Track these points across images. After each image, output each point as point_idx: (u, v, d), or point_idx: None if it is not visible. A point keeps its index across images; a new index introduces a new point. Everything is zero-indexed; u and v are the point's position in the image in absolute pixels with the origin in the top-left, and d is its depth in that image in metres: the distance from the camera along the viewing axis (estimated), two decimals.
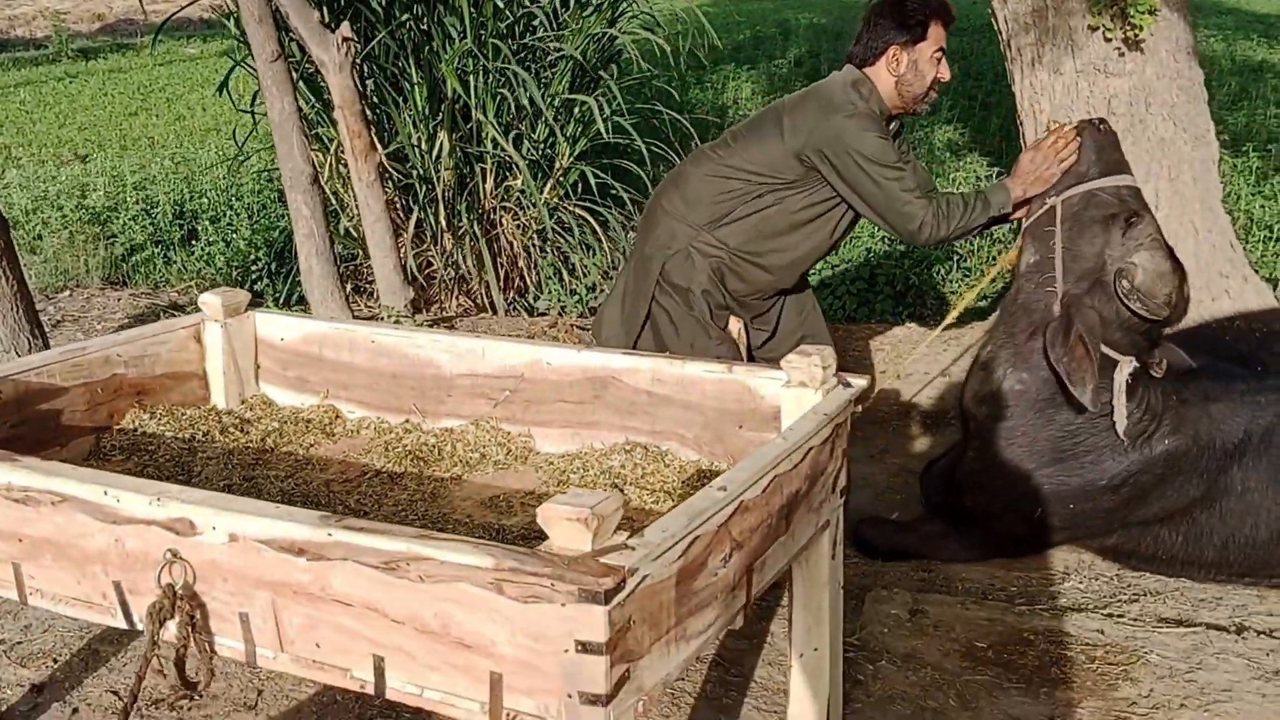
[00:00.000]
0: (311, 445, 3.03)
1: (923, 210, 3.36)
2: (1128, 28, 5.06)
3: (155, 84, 16.16)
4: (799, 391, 2.58)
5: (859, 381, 2.64)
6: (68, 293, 7.05)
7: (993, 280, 3.52)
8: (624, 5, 6.72)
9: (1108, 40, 5.15)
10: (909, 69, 3.40)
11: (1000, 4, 5.48)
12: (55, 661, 3.22)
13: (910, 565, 3.72)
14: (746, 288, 3.64)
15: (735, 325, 3.63)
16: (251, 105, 6.73)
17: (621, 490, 2.71)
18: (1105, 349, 3.24)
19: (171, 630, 2.06)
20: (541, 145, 6.61)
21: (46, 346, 4.92)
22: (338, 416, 3.20)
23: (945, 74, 3.44)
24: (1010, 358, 3.46)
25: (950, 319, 3.64)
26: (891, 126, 3.59)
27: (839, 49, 15.14)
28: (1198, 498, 3.37)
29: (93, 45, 21.48)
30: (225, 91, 6.82)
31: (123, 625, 2.20)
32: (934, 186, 3.48)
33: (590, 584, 1.73)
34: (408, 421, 3.13)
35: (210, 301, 3.19)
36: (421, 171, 6.48)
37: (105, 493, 2.10)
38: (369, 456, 2.94)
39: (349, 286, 6.67)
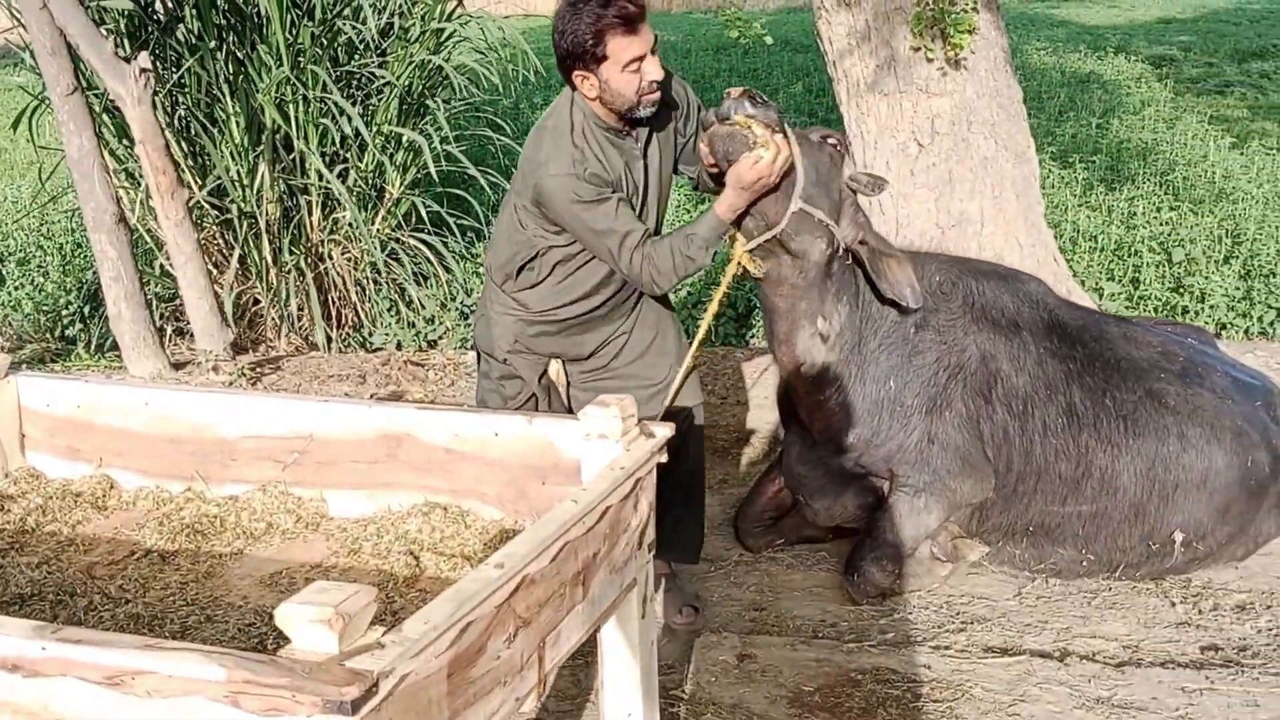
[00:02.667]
0: (79, 522, 2.77)
1: (638, 269, 3.11)
2: (948, 48, 5.09)
3: None
4: (600, 443, 2.44)
5: (663, 430, 2.51)
6: None
7: (725, 293, 3.38)
8: (450, 30, 6.52)
9: (930, 61, 5.17)
10: (603, 90, 3.07)
11: (825, 26, 5.47)
12: None
13: (742, 604, 3.62)
14: (556, 342, 3.45)
15: (554, 367, 3.47)
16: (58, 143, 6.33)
17: (417, 558, 2.53)
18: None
19: None
20: (370, 175, 6.37)
21: None
22: (112, 487, 2.93)
23: (654, 74, 3.06)
24: (810, 316, 3.49)
25: (697, 343, 3.42)
26: (639, 133, 3.25)
27: (688, 65, 15.20)
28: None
29: None
30: (26, 127, 6.40)
31: None
32: (645, 232, 3.16)
33: (333, 694, 1.54)
34: (189, 489, 2.88)
35: None
36: (243, 206, 6.17)
37: None
38: (142, 532, 2.69)
39: (170, 328, 6.33)
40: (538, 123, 3.33)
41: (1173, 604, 3.54)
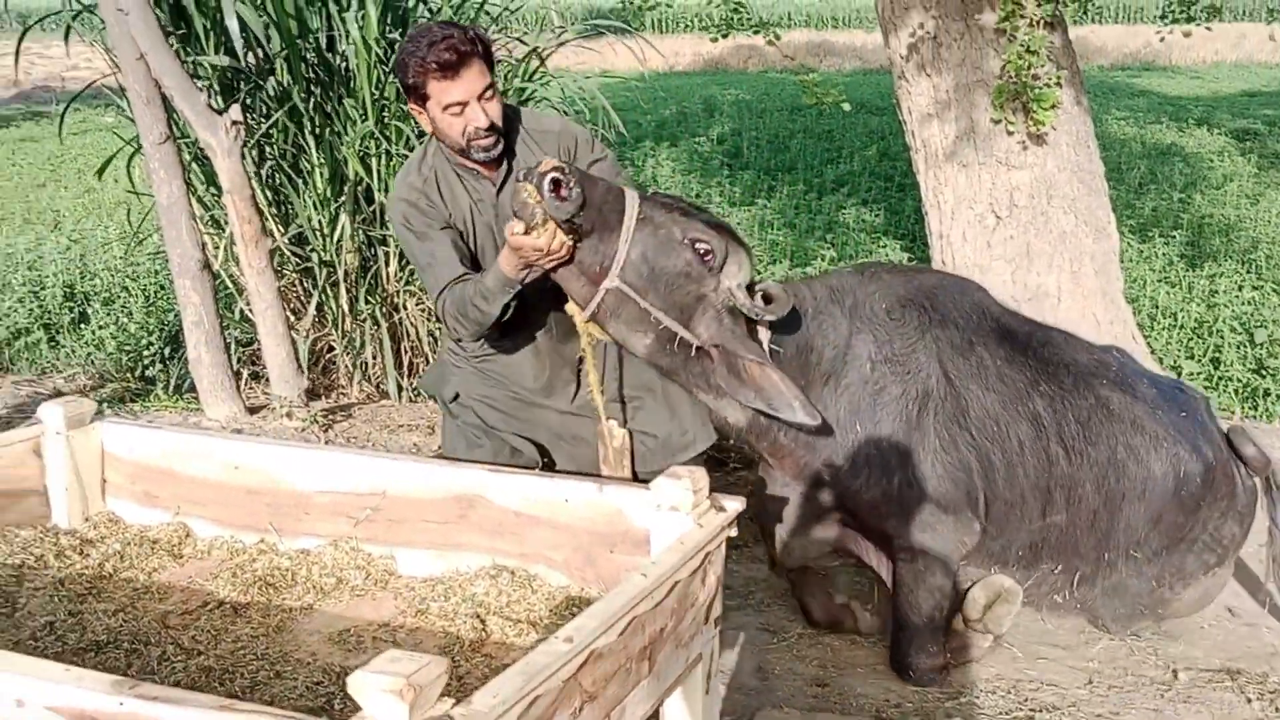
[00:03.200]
0: (154, 570, 2.81)
1: (441, 309, 3.16)
2: (1030, 122, 5.07)
3: (67, 154, 15.81)
4: (670, 515, 2.43)
5: (733, 504, 2.50)
6: None
7: (593, 359, 3.32)
8: (531, 89, 6.63)
9: (1010, 134, 5.16)
10: (433, 126, 3.15)
11: (905, 94, 5.49)
12: None
13: (805, 679, 3.57)
14: (506, 381, 3.44)
15: (620, 433, 3.47)
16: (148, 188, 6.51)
17: (484, 621, 2.53)
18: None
19: None
20: None
21: None
22: (188, 535, 2.98)
23: (478, 120, 3.09)
24: (703, 381, 3.29)
25: (603, 410, 3.38)
26: (506, 164, 3.28)
27: (762, 125, 15.29)
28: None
29: (6, 113, 21.06)
30: (124, 174, 6.59)
31: None
32: (461, 276, 3.16)
33: None
34: (262, 541, 2.92)
35: (50, 413, 2.97)
36: (323, 255, 6.29)
37: None
38: (215, 583, 2.73)
39: (246, 373, 6.44)
40: None
41: (1249, 700, 3.43)
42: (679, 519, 2.42)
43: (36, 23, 6.72)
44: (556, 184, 2.79)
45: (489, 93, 3.10)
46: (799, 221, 9.60)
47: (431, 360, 6.53)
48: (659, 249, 3.06)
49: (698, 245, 3.08)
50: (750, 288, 3.24)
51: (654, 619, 2.20)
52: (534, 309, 3.33)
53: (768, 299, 3.21)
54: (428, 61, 3.02)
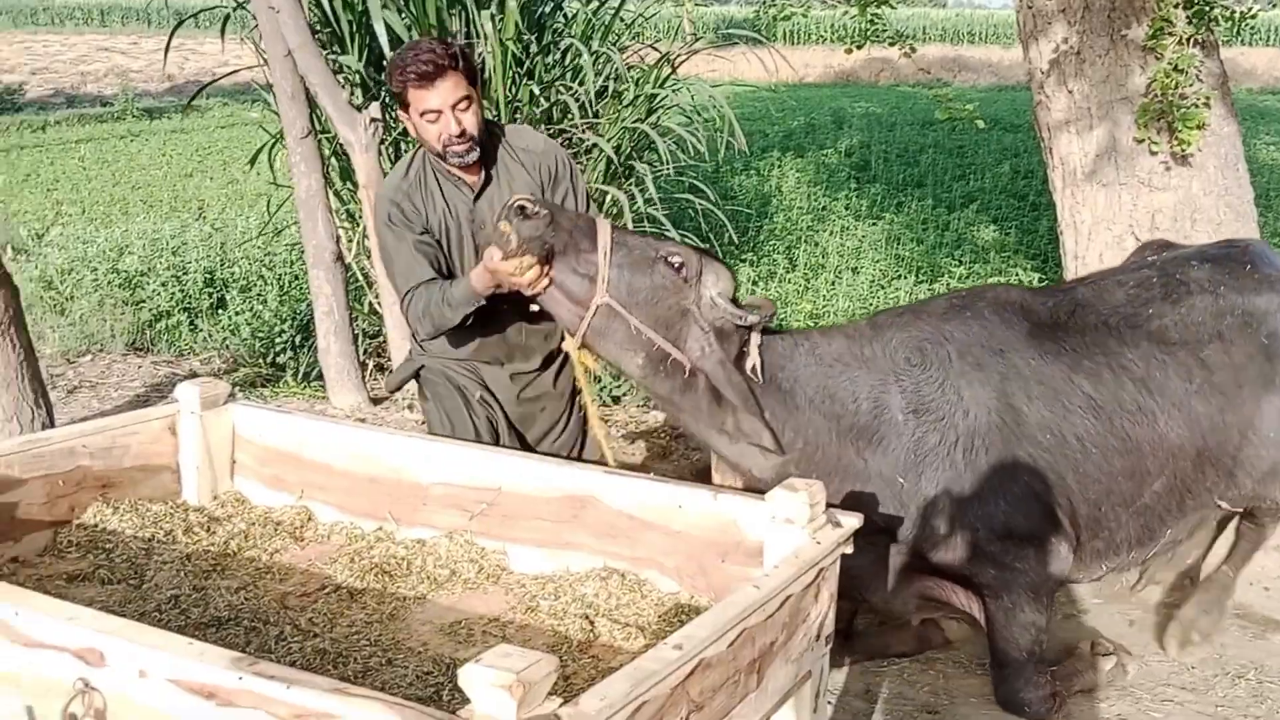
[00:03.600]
0: (276, 551, 2.89)
1: (406, 307, 3.31)
2: (1175, 142, 4.88)
3: (214, 146, 16.43)
4: (784, 528, 2.40)
5: (850, 520, 2.46)
6: (90, 358, 7.03)
7: (589, 385, 3.39)
8: (662, 95, 6.65)
9: (1154, 154, 4.97)
10: (414, 130, 3.37)
11: (1044, 110, 5.34)
12: None
13: (915, 705, 3.49)
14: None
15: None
16: (288, 180, 6.72)
17: (593, 623, 2.53)
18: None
19: None
20: None
21: (50, 417, 4.86)
22: (310, 519, 3.05)
23: (451, 128, 3.27)
24: (715, 426, 3.23)
25: (604, 437, 3.47)
26: (486, 173, 3.45)
27: (891, 139, 15.08)
28: None
29: (159, 105, 21.98)
30: (263, 165, 6.81)
31: None
32: (430, 278, 3.31)
33: None
34: (380, 529, 2.97)
35: (187, 392, 3.08)
36: None
37: (16, 614, 1.96)
38: (334, 567, 2.78)
39: (372, 364, 6.60)
40: None
41: None
42: (794, 532, 2.39)
43: (189, 17, 6.97)
44: (522, 209, 2.96)
45: (463, 104, 3.29)
46: (927, 237, 9.43)
47: None
48: (635, 266, 3.13)
49: (670, 259, 3.15)
50: (736, 302, 3.22)
51: (765, 632, 2.17)
52: (494, 326, 3.51)
53: (753, 307, 3.21)
54: (407, 71, 3.26)
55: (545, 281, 3.02)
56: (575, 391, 3.72)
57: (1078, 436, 3.32)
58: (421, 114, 3.28)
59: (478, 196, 3.44)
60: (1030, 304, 3.53)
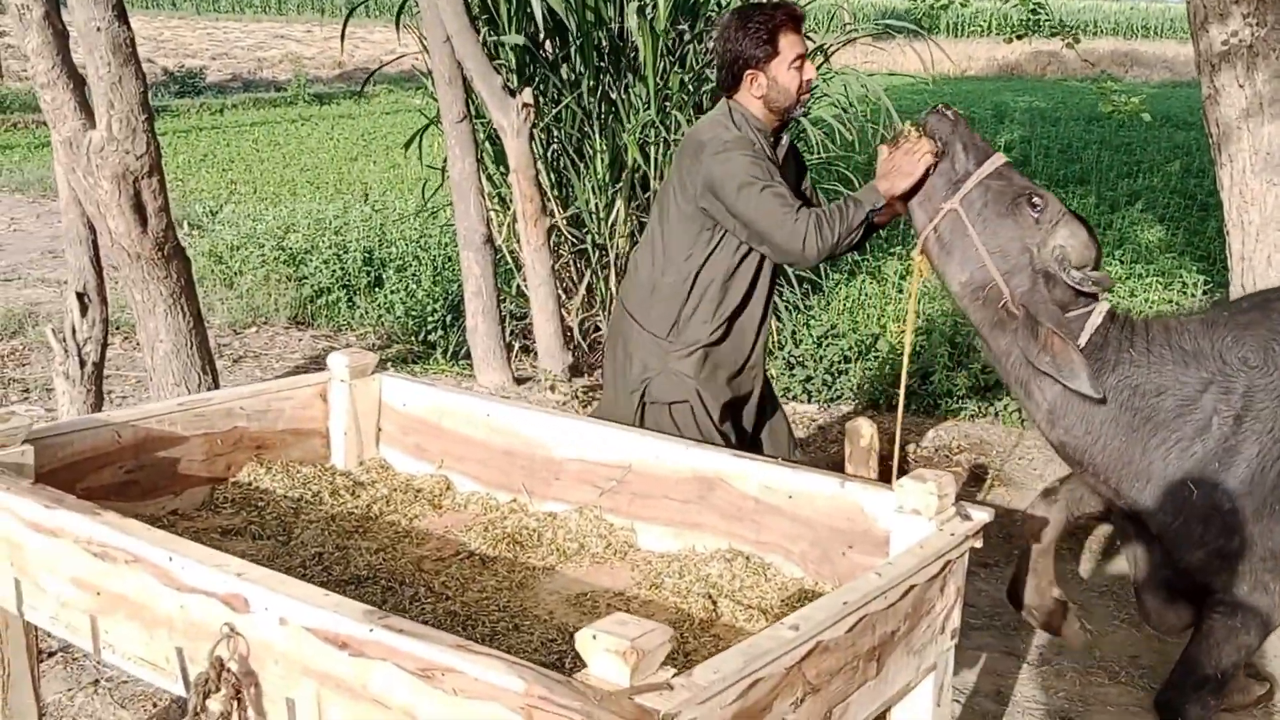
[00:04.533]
0: (415, 517, 3.00)
1: (803, 224, 3.21)
2: None
3: (379, 131, 16.98)
4: (912, 519, 2.38)
5: (980, 514, 2.42)
6: (255, 329, 7.37)
7: (917, 298, 3.21)
8: (815, 85, 6.59)
9: None
10: (770, 87, 3.31)
11: (1211, 105, 5.11)
12: (155, 705, 3.26)
13: (1047, 711, 3.41)
14: (725, 371, 3.48)
15: (868, 431, 3.44)
16: (443, 165, 6.92)
17: (715, 603, 2.56)
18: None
19: (215, 706, 2.02)
20: None
21: (216, 384, 5.11)
22: (448, 488, 3.16)
23: (810, 75, 3.38)
24: (1019, 376, 3.15)
25: (909, 349, 3.40)
26: (783, 140, 3.49)
27: (1054, 135, 14.62)
28: None
29: (329, 91, 22.82)
30: (416, 148, 7.02)
31: (183, 693, 2.18)
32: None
33: None
34: (514, 500, 3.06)
35: (337, 361, 3.21)
36: (597, 238, 6.51)
37: (170, 559, 2.09)
38: (468, 535, 2.88)
39: (518, 345, 6.75)
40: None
41: None
42: (921, 523, 2.36)
43: (357, 6, 7.22)
44: (937, 109, 3.20)
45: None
46: None
47: None
48: (1000, 193, 3.15)
49: (1033, 199, 3.15)
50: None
51: (885, 620, 2.15)
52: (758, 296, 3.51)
53: (1095, 280, 3.13)
54: (780, 15, 3.32)
55: (927, 162, 3.14)
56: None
57: None
58: (791, 61, 3.33)
59: (783, 160, 3.51)
60: None
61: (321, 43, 33.82)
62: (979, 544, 2.43)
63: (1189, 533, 3.13)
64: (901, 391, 3.33)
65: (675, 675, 1.70)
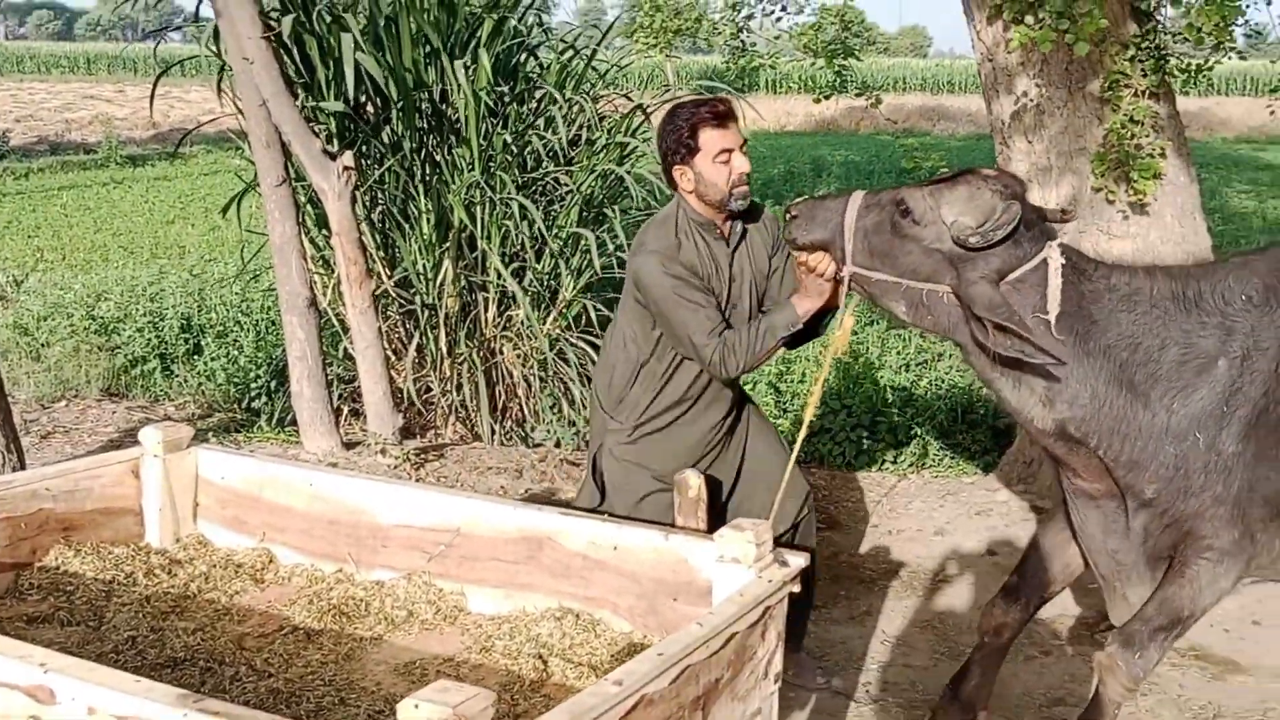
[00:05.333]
0: (236, 593, 2.92)
1: (711, 351, 3.33)
2: (1132, 192, 5.00)
3: (196, 193, 16.54)
4: (731, 568, 2.45)
5: (796, 560, 2.51)
6: (64, 403, 7.05)
7: (833, 363, 3.30)
8: (634, 145, 6.76)
9: (1111, 203, 5.09)
10: (698, 182, 3.43)
11: (1007, 161, 5.45)
12: None
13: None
14: (669, 460, 3.55)
15: (696, 483, 3.50)
16: (264, 227, 6.79)
17: (545, 662, 2.57)
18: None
19: None
20: (545, 277, 6.60)
21: (21, 462, 4.87)
22: (271, 561, 3.09)
23: (743, 166, 3.43)
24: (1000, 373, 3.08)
25: (809, 415, 3.36)
26: (737, 228, 3.57)
27: (869, 187, 15.25)
28: None
29: (143, 152, 22.10)
30: (232, 212, 6.88)
31: None
32: (724, 322, 3.42)
33: None
34: (341, 570, 3.01)
35: (149, 436, 3.12)
36: (425, 298, 6.48)
37: None
38: (292, 608, 2.82)
39: (346, 409, 6.63)
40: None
41: None
42: (741, 571, 2.43)
43: (171, 66, 7.06)
44: (788, 211, 3.24)
45: (745, 147, 3.47)
46: None
47: (526, 406, 6.65)
48: (876, 226, 3.11)
49: (903, 208, 3.07)
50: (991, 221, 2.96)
51: (709, 669, 2.21)
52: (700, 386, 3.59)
53: (1003, 222, 2.94)
54: (701, 112, 3.41)
55: (832, 270, 3.17)
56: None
57: None
58: (714, 156, 3.40)
59: (734, 251, 3.57)
60: None
61: (134, 103, 32.76)
62: (797, 588, 2.52)
63: (1190, 483, 3.06)
64: (794, 452, 3.35)
65: None
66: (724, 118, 3.42)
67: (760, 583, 2.38)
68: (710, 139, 3.39)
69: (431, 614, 2.81)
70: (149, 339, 7.53)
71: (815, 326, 3.49)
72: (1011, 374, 3.05)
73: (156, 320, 7.74)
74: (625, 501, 3.54)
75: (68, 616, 2.68)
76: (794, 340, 3.48)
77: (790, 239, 3.20)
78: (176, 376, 7.32)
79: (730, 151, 3.41)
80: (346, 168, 5.44)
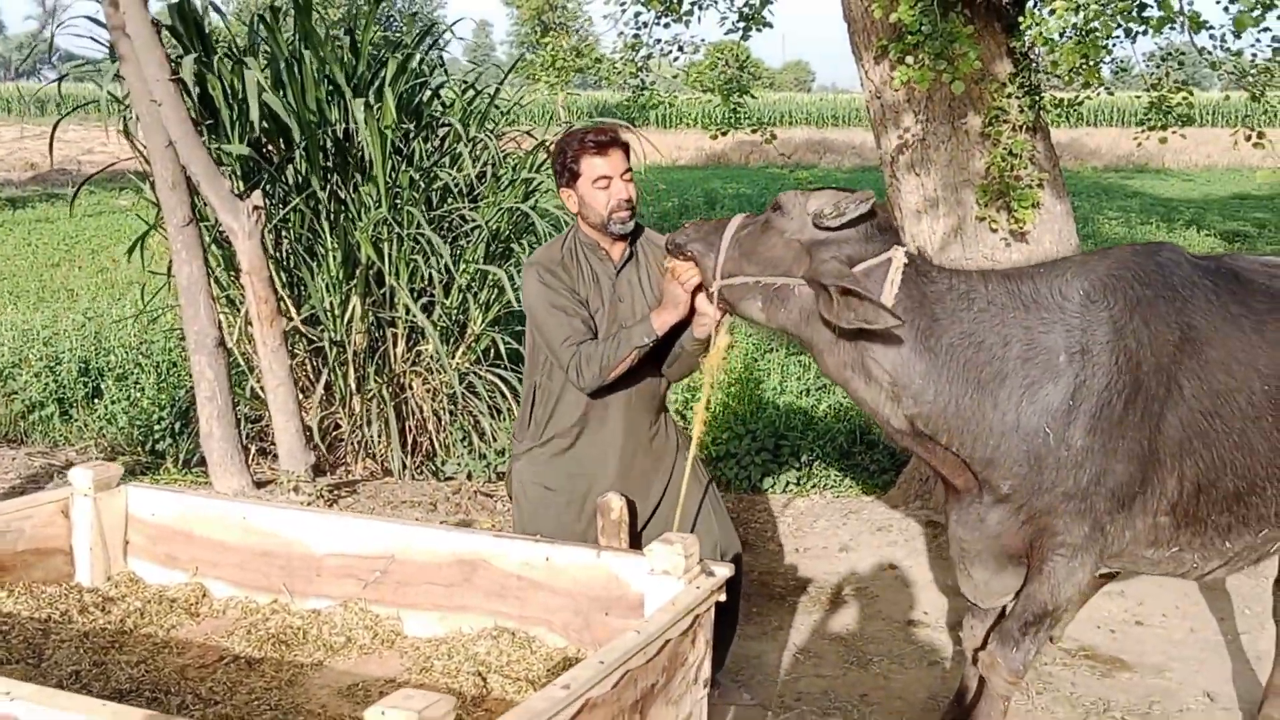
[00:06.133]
0: (173, 627, 2.96)
1: (568, 356, 3.53)
2: (1013, 221, 5.32)
3: (82, 235, 16.15)
4: (662, 580, 2.59)
5: (722, 570, 2.66)
6: None
7: (712, 379, 3.53)
8: (538, 181, 6.91)
9: (994, 231, 5.40)
10: (581, 204, 3.67)
11: (895, 193, 5.74)
12: None
13: None
14: (570, 466, 3.74)
15: (617, 505, 3.64)
16: (169, 268, 6.75)
17: (484, 679, 2.68)
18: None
19: None
20: (454, 311, 6.69)
21: None
22: (204, 595, 3.14)
23: (623, 193, 3.64)
24: (849, 366, 3.19)
25: (697, 431, 3.59)
26: (627, 252, 3.76)
27: None
28: None
29: (22, 194, 21.49)
30: (137, 254, 6.84)
31: None
32: (592, 336, 3.60)
33: None
34: (275, 601, 3.07)
35: (80, 475, 3.15)
36: (333, 335, 6.51)
37: None
38: (231, 639, 2.88)
39: (254, 448, 6.61)
40: None
41: None
42: (671, 583, 2.58)
43: (76, 109, 6.99)
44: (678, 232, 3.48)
45: (627, 174, 3.68)
46: None
47: (436, 440, 6.72)
48: (750, 234, 3.32)
49: (775, 204, 3.31)
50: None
51: (646, 674, 2.34)
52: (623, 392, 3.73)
53: (852, 202, 3.15)
54: (585, 141, 3.64)
55: (694, 282, 3.40)
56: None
57: (1252, 402, 3.16)
58: (594, 181, 3.61)
59: (619, 271, 3.74)
60: (1204, 265, 3.34)
61: (10, 143, 31.80)
62: (723, 598, 2.67)
63: (1042, 479, 3.16)
64: (689, 464, 3.55)
65: None
66: (605, 146, 3.63)
67: (690, 591, 2.52)
68: (590, 165, 3.62)
69: (369, 639, 2.89)
70: (45, 384, 7.40)
71: (697, 355, 3.64)
72: (861, 371, 3.18)
73: (53, 365, 7.60)
74: (532, 521, 3.68)
75: (6, 655, 2.69)
76: (681, 367, 3.73)
77: (670, 242, 3.43)
78: (75, 421, 7.20)
79: (609, 178, 3.62)
80: (256, 207, 5.48)
